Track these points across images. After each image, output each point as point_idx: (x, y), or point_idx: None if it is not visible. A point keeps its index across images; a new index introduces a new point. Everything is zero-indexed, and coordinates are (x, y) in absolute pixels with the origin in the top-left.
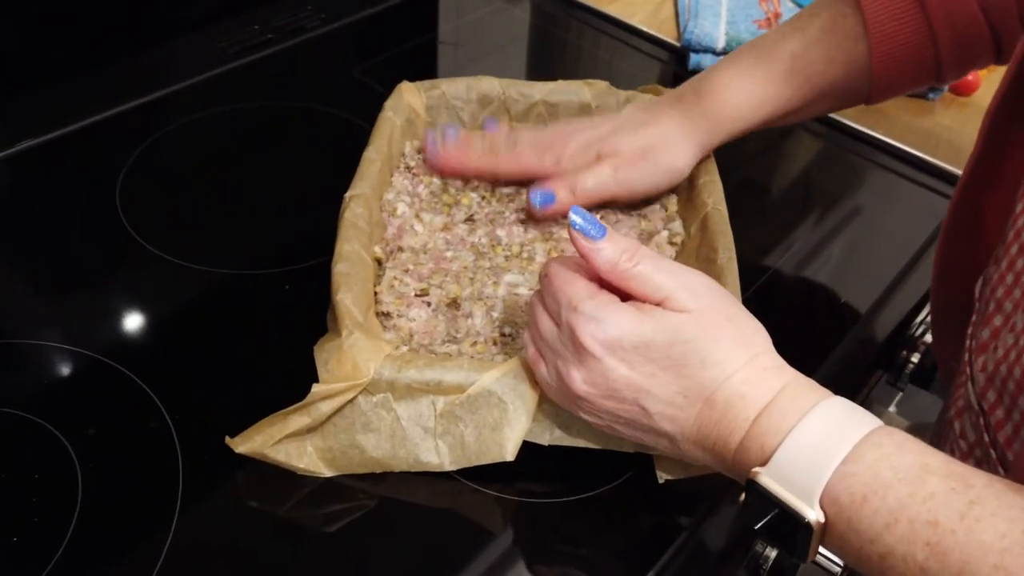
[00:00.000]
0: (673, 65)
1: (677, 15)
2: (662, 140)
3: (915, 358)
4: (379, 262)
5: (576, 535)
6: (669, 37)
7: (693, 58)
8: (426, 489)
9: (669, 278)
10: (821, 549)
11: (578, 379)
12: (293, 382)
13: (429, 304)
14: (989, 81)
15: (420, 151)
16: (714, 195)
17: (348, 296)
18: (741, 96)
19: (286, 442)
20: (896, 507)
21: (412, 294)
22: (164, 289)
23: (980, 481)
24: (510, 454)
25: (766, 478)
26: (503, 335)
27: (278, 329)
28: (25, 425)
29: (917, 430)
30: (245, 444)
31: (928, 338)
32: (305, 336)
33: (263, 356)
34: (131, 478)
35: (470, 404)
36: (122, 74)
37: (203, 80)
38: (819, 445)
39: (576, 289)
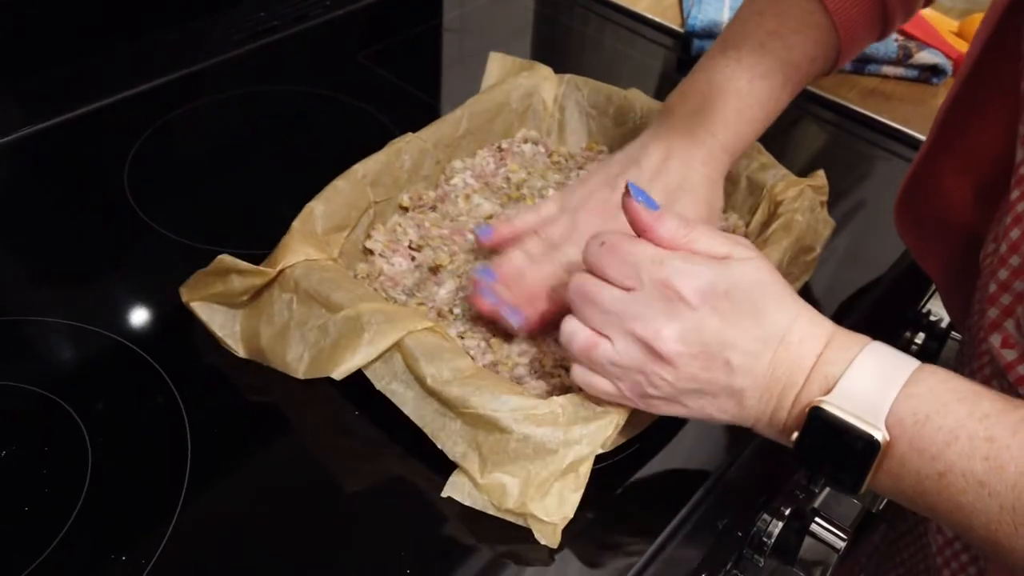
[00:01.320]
0: (677, 51)
1: (681, 2)
2: (705, 198)
3: (919, 339)
4: (404, 209)
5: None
6: (673, 23)
7: (696, 44)
8: (434, 466)
9: (721, 238)
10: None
11: (669, 336)
12: None
13: (414, 259)
14: None
15: (527, 141)
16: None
17: (319, 206)
18: (749, 125)
19: (221, 309)
20: (955, 425)
21: (405, 244)
22: (172, 269)
23: None
24: (336, 374)
25: (831, 405)
26: (451, 312)
27: None
28: (36, 400)
29: None
30: (187, 294)
31: (934, 318)
32: None
33: None
34: (140, 452)
35: (340, 322)
36: (129, 59)
37: (209, 66)
38: (881, 371)
39: (652, 248)
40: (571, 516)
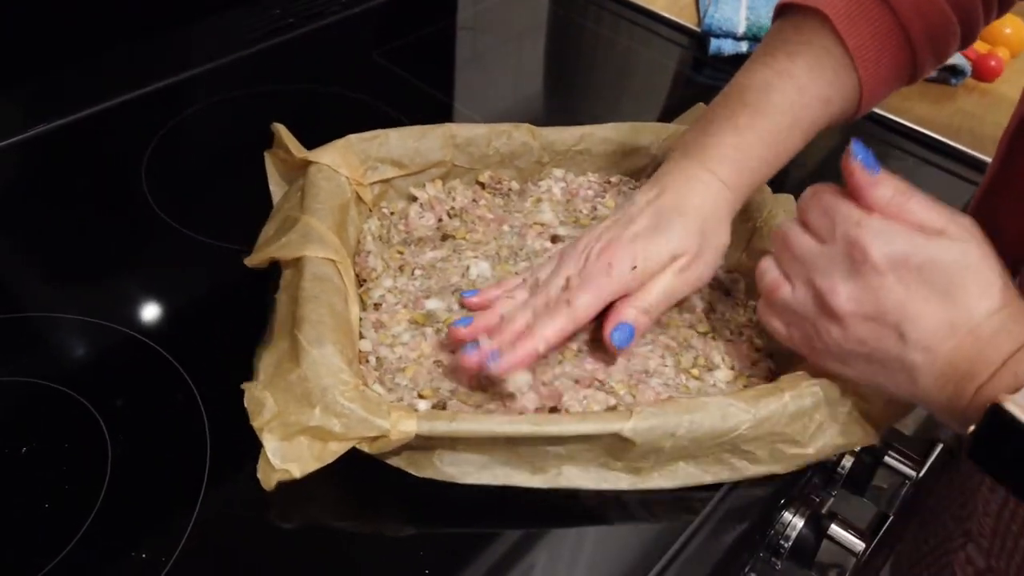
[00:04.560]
0: (693, 50)
1: (697, 0)
2: (698, 228)
3: None
4: (480, 185)
5: (594, 514)
6: (689, 22)
7: (713, 43)
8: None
9: (943, 212)
10: None
11: (843, 294)
12: None
13: (441, 221)
14: (1011, 68)
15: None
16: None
17: (395, 134)
18: (754, 163)
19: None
20: None
21: (446, 208)
22: (190, 266)
23: None
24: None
25: (1015, 404)
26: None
27: None
28: (55, 396)
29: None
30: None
31: None
32: None
33: None
34: (160, 449)
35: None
36: (146, 56)
37: (225, 63)
38: None
39: (856, 207)
40: (294, 475)
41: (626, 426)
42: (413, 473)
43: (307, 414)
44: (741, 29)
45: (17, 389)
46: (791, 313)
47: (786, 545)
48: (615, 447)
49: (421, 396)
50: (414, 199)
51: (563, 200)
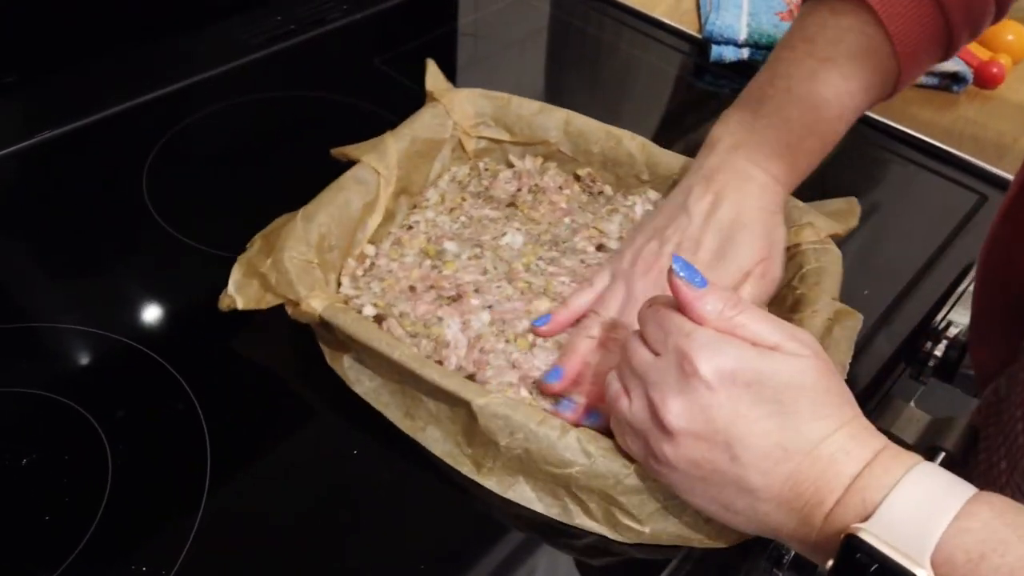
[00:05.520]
0: (694, 57)
1: (698, 6)
2: (763, 233)
3: (939, 351)
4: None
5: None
6: (690, 29)
7: (715, 50)
8: (443, 475)
9: (777, 327)
10: None
11: (675, 410)
12: (319, 359)
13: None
14: (1014, 74)
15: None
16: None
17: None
18: (803, 157)
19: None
20: (1017, 566)
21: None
22: (189, 275)
23: None
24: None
25: (869, 534)
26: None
27: None
28: (55, 407)
29: (938, 425)
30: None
31: (951, 331)
32: None
33: None
34: (160, 459)
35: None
36: (147, 63)
37: (227, 70)
38: (929, 499)
39: (688, 320)
40: (237, 306)
41: (478, 401)
42: (327, 362)
43: (263, 263)
44: (742, 36)
45: (17, 400)
46: (629, 427)
47: (787, 555)
48: (469, 429)
49: (375, 305)
50: (511, 166)
51: (639, 221)
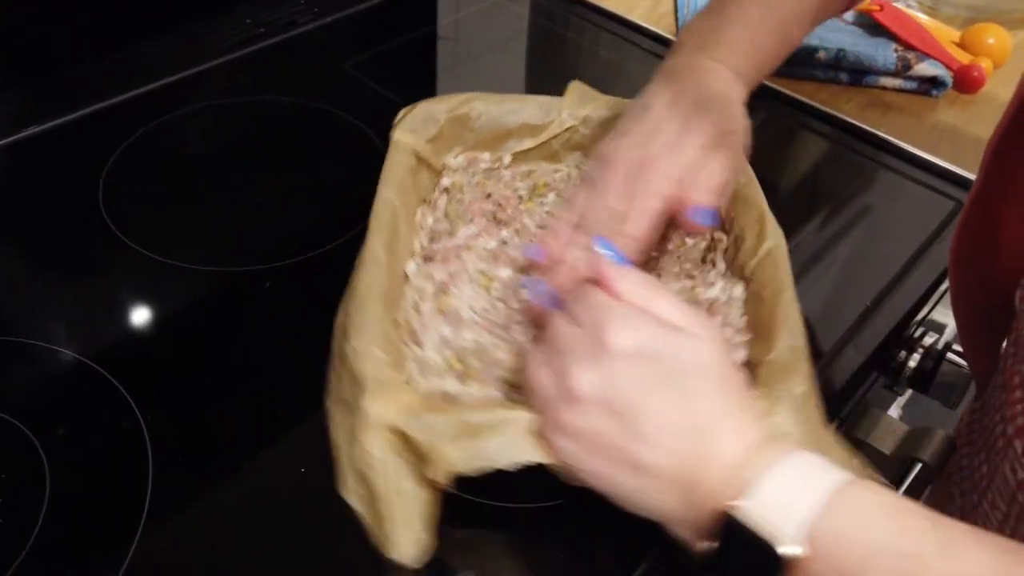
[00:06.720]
0: None
1: (676, 10)
2: (732, 113)
3: (913, 361)
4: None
5: (564, 533)
6: (667, 32)
7: None
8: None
9: (686, 311)
10: None
11: (585, 379)
12: (273, 383)
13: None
14: (994, 79)
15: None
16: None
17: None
18: (764, 55)
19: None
20: (878, 540)
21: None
22: (143, 286)
23: (950, 520)
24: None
25: (744, 511)
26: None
27: (258, 328)
28: None
29: (917, 434)
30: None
31: (927, 340)
32: (286, 336)
33: (241, 356)
34: (101, 480)
35: None
36: (110, 68)
37: (193, 75)
38: (804, 481)
39: (606, 295)
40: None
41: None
42: None
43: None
44: None
45: None
46: (535, 395)
47: None
48: None
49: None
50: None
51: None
